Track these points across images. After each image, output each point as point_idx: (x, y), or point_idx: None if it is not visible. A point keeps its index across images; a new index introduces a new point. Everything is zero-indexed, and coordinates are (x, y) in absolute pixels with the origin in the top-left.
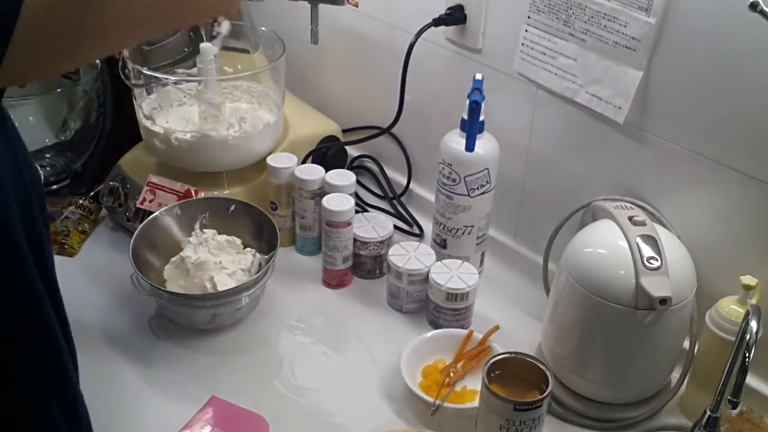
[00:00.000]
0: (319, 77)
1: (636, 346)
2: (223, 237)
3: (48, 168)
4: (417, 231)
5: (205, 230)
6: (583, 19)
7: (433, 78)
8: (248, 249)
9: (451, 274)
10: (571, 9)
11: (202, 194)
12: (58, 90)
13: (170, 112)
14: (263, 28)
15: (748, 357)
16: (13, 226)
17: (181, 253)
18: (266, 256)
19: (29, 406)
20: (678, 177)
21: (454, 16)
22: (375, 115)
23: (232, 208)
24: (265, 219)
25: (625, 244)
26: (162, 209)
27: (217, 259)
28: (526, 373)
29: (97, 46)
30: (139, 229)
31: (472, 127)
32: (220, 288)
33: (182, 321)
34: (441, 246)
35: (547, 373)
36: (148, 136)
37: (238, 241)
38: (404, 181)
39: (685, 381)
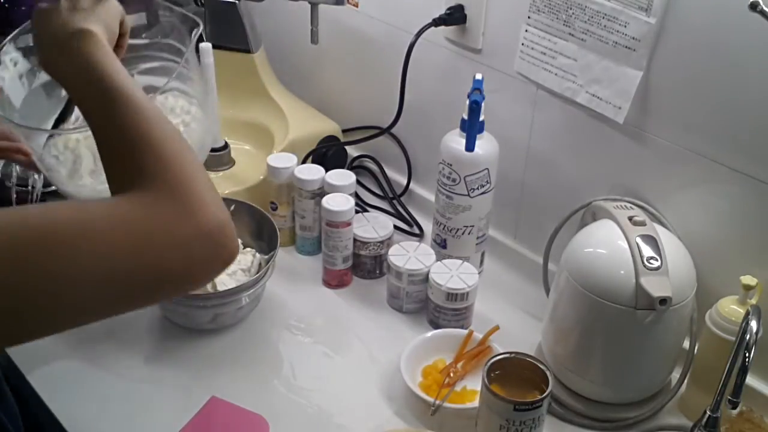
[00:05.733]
0: (319, 77)
1: (636, 346)
2: None
3: None
4: (417, 231)
5: None
6: (583, 19)
7: (433, 78)
8: (248, 249)
9: (451, 274)
10: (571, 9)
11: None
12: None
13: None
14: (176, 8)
15: (748, 357)
16: None
17: None
18: (266, 256)
19: None
20: (678, 177)
21: (454, 16)
22: (375, 115)
23: (232, 207)
24: (265, 219)
25: (625, 244)
26: None
27: None
28: (526, 373)
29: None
30: None
31: (472, 127)
32: (221, 288)
33: (183, 321)
34: (441, 246)
35: (547, 373)
36: None
37: (238, 241)
38: (404, 181)
39: (685, 381)
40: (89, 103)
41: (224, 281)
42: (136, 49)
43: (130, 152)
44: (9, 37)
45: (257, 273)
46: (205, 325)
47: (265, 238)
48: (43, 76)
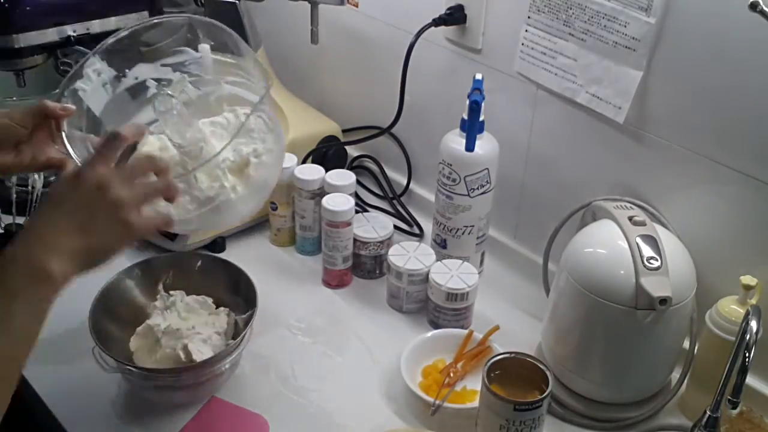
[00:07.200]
0: (319, 77)
1: (636, 346)
2: (192, 297)
3: None
4: (417, 231)
5: (171, 292)
6: (583, 19)
7: (433, 78)
8: (221, 309)
9: (451, 274)
10: (571, 9)
11: None
12: (57, 91)
13: None
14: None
15: (748, 357)
16: None
17: (148, 321)
18: (243, 316)
19: None
20: (678, 177)
21: (454, 16)
22: (375, 115)
23: (199, 263)
24: (241, 273)
25: (625, 244)
26: (119, 271)
27: (188, 324)
28: (526, 373)
29: None
30: (96, 297)
31: (472, 127)
32: (197, 357)
33: (155, 397)
34: (441, 246)
35: (547, 373)
36: None
37: (210, 300)
38: (404, 181)
39: (685, 381)
40: None
41: (199, 349)
42: (225, 64)
43: None
44: (94, 51)
45: (233, 335)
46: (181, 400)
47: (242, 293)
48: (128, 81)
